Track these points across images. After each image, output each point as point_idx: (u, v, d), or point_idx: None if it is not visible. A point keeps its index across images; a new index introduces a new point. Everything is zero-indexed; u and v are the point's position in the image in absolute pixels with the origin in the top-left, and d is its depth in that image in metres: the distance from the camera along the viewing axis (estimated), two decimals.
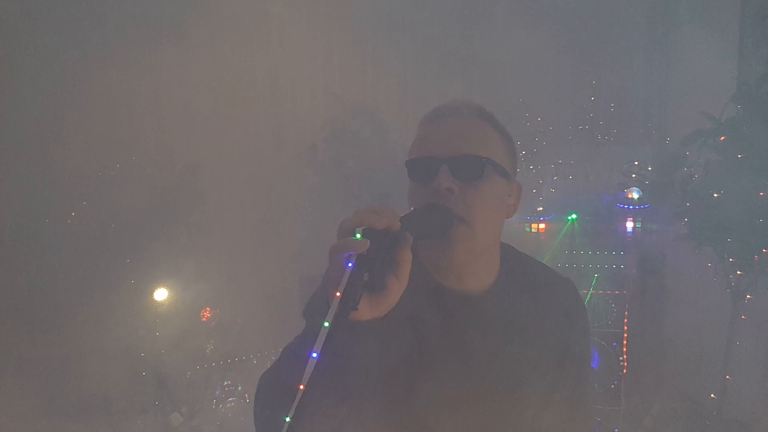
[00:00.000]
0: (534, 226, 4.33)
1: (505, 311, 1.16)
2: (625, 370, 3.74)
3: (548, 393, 1.19)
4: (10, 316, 4.69)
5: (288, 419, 0.81)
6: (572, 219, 4.15)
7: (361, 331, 0.89)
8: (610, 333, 3.77)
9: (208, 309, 4.31)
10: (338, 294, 0.81)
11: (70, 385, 4.89)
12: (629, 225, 4.36)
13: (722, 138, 3.77)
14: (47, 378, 4.86)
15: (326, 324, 0.79)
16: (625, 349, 3.76)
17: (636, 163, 4.60)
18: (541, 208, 4.64)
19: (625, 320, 3.79)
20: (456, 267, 1.13)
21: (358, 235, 0.84)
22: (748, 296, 3.85)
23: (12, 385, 4.58)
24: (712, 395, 4.04)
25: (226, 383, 4.09)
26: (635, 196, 4.47)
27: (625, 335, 3.77)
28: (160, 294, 4.04)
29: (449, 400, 1.11)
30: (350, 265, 0.82)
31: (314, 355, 0.79)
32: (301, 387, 0.80)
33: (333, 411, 0.97)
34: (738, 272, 3.82)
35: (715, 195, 3.74)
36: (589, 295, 3.90)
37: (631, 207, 4.46)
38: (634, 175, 4.58)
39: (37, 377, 4.82)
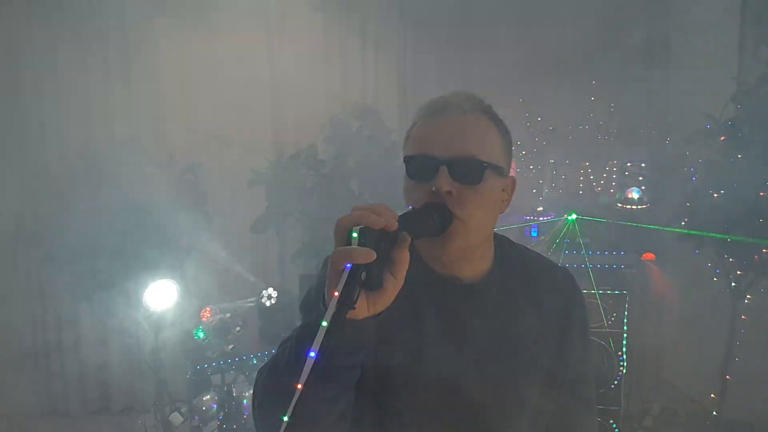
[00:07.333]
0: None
1: (502, 297, 1.18)
2: (625, 370, 3.73)
3: (549, 379, 1.19)
4: (10, 316, 4.69)
5: (286, 418, 0.81)
6: (572, 219, 4.14)
7: (358, 328, 0.89)
8: (610, 333, 3.76)
9: (208, 309, 4.30)
10: (336, 294, 0.81)
11: (70, 385, 4.90)
12: (629, 224, 4.34)
13: (722, 138, 3.76)
14: (47, 378, 4.87)
15: (324, 324, 0.80)
16: (625, 349, 3.75)
17: (636, 163, 4.59)
18: (541, 208, 4.63)
19: (625, 320, 3.78)
20: (449, 260, 1.14)
21: (355, 234, 0.84)
22: (748, 296, 3.85)
23: (12, 385, 4.59)
24: (712, 395, 4.04)
25: (225, 383, 4.09)
26: (635, 196, 4.47)
27: (625, 335, 3.76)
28: (160, 294, 4.03)
29: (447, 389, 1.11)
30: (348, 264, 0.82)
31: (312, 354, 0.80)
32: (299, 386, 0.80)
33: (330, 407, 0.97)
34: (738, 272, 3.81)
35: (715, 195, 3.73)
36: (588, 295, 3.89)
37: (631, 207, 4.45)
38: (634, 175, 4.57)
39: (37, 377, 4.83)
